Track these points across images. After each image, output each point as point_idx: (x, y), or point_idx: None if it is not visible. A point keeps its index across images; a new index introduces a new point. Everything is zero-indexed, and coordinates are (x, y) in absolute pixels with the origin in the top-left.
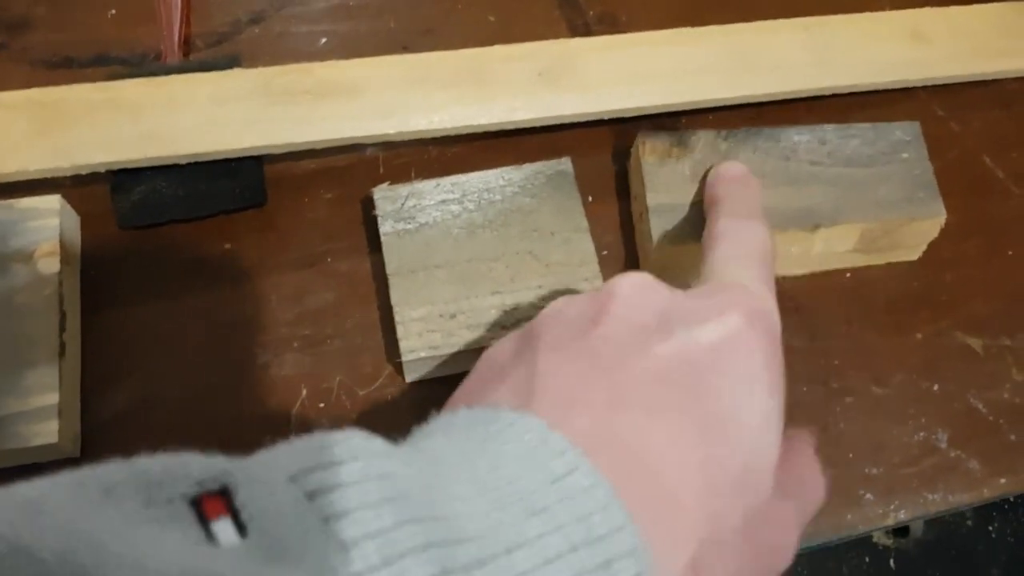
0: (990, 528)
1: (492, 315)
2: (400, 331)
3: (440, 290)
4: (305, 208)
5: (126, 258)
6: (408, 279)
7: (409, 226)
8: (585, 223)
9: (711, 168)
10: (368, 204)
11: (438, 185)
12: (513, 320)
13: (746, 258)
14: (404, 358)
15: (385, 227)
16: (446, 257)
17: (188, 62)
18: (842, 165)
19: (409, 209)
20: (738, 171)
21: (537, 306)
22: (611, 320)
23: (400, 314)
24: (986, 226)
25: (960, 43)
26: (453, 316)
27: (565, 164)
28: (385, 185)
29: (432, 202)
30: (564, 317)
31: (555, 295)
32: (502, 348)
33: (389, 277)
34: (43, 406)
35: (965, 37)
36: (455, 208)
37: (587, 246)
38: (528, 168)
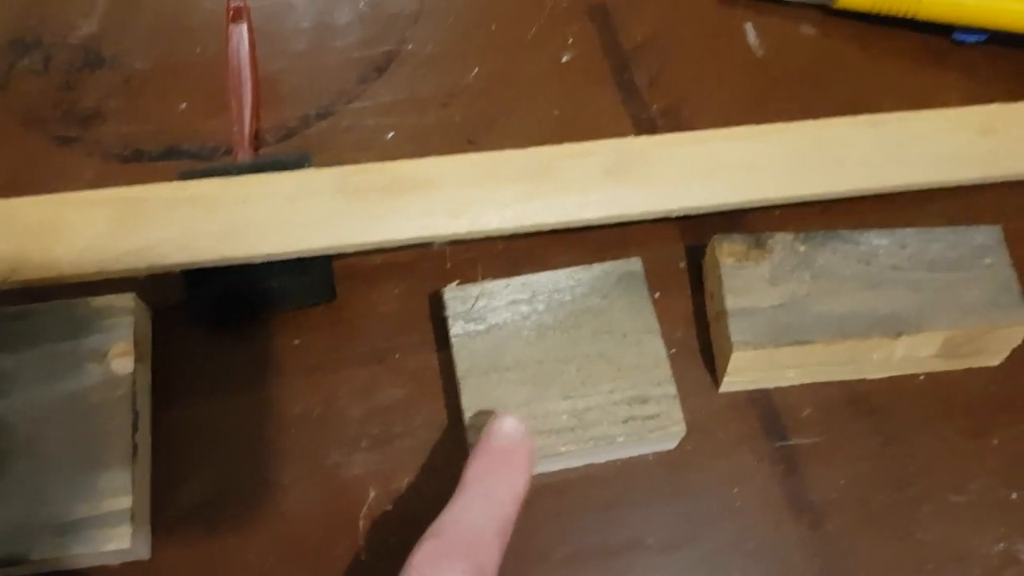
0: None
1: (563, 420)
2: (471, 436)
3: (511, 393)
4: (373, 303)
5: (196, 353)
6: (479, 381)
7: (479, 327)
8: (656, 324)
9: (493, 419)
10: (436, 299)
11: (508, 285)
12: (584, 425)
13: None
14: None
15: (455, 328)
16: (517, 359)
17: (260, 158)
18: (924, 270)
19: (479, 310)
20: (502, 441)
21: (608, 411)
22: None
23: (471, 419)
24: None
25: None
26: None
27: (635, 264)
28: (455, 284)
29: (502, 303)
30: None
31: (627, 400)
32: None
33: (460, 380)
34: (115, 510)
35: None
36: (525, 309)
37: (659, 348)
38: (598, 268)
